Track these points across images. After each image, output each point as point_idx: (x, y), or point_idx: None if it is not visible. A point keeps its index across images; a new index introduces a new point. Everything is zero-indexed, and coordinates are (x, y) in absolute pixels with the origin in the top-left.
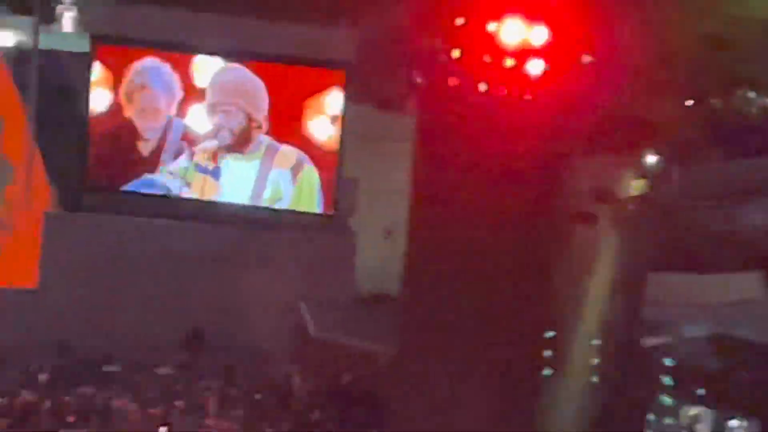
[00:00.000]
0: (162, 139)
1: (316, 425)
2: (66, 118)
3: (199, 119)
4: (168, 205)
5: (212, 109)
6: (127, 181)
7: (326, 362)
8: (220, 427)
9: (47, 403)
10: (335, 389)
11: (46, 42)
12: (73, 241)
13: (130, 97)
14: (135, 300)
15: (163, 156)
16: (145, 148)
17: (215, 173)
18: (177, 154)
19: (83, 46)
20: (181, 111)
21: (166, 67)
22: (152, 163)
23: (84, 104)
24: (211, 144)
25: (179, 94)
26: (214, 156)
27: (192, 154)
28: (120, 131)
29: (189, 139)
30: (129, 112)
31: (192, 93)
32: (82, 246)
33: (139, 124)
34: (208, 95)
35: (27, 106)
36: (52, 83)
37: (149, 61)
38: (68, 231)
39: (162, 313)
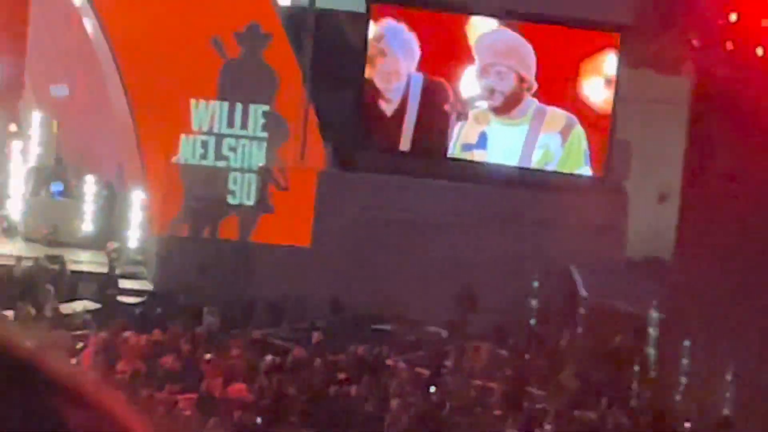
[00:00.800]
0: (404, 99)
1: (584, 386)
2: (341, 77)
3: (468, 82)
4: (438, 166)
5: (483, 71)
6: (389, 141)
7: (596, 324)
8: (489, 388)
9: (318, 361)
10: (605, 351)
11: (322, 1)
12: (346, 199)
13: (371, 60)
14: (406, 259)
15: (407, 115)
16: (387, 109)
17: (481, 143)
18: (425, 116)
19: (359, 5)
20: (421, 67)
21: (403, 27)
22: (397, 122)
23: (360, 63)
24: (481, 106)
25: (418, 53)
26: (482, 119)
27: (465, 120)
28: (366, 92)
29: (429, 93)
30: (370, 74)
31: (458, 54)
32: (355, 205)
33: (380, 85)
34: (478, 57)
35: (302, 64)
36: (328, 41)
37: (388, 23)
38: (341, 190)
39: (433, 273)
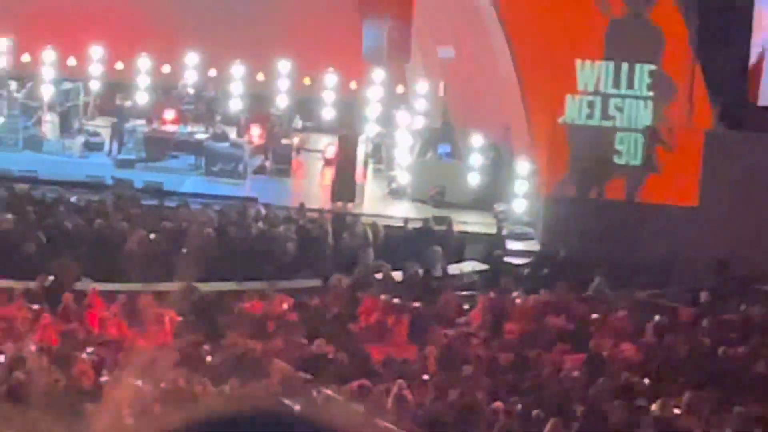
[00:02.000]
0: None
1: None
2: (727, 35)
3: None
4: None
5: None
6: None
7: None
8: None
9: (705, 321)
10: None
11: None
12: (733, 159)
13: None
14: None
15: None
16: None
17: None
18: None
19: None
20: None
21: None
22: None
23: (746, 20)
24: None
25: None
26: None
27: None
28: None
29: None
30: None
31: None
32: (743, 164)
33: None
34: None
35: (689, 22)
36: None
37: None
38: (729, 149)
39: None
